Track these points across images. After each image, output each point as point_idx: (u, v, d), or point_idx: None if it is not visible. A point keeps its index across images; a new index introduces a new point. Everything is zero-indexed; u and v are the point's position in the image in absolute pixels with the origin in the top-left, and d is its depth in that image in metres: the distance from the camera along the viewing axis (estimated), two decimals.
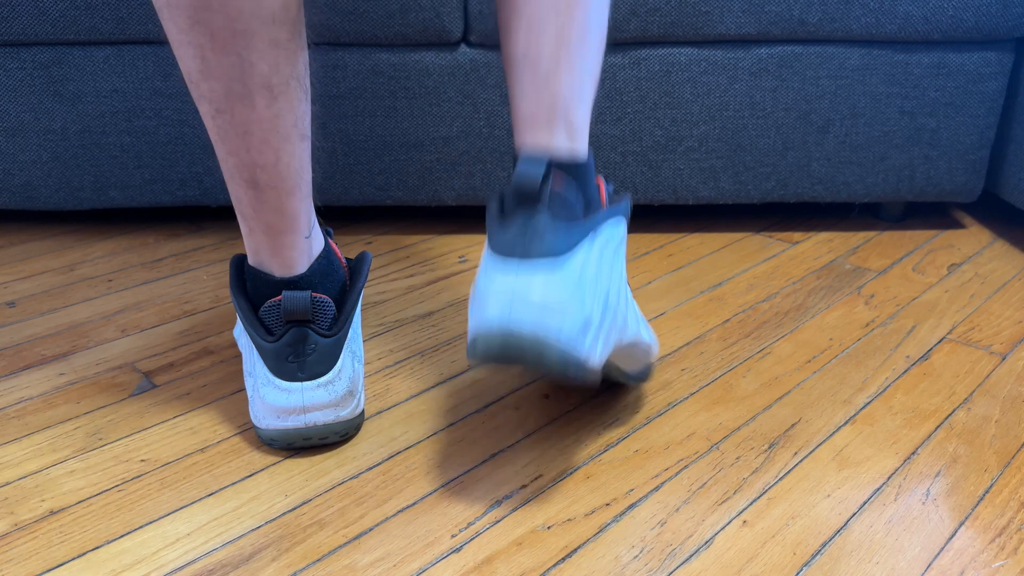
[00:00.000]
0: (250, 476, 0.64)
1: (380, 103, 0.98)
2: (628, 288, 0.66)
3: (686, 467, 0.65)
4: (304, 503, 0.61)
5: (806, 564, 0.56)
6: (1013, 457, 0.67)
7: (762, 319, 0.87)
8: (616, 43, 0.96)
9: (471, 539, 0.58)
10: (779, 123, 1.01)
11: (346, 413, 0.65)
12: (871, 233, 1.09)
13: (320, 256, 0.66)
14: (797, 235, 1.08)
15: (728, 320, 0.87)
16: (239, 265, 0.69)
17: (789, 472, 0.65)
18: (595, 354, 0.55)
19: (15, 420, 0.70)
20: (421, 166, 1.01)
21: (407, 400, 0.73)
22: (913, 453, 0.67)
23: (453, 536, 0.58)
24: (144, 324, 0.85)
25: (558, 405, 0.73)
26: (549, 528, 0.59)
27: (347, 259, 0.72)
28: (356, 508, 0.61)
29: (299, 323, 0.63)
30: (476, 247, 1.04)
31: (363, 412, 0.69)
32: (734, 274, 0.97)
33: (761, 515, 0.60)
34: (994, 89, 1.01)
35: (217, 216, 1.11)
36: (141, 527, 0.59)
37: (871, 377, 0.77)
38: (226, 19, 0.55)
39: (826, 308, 0.89)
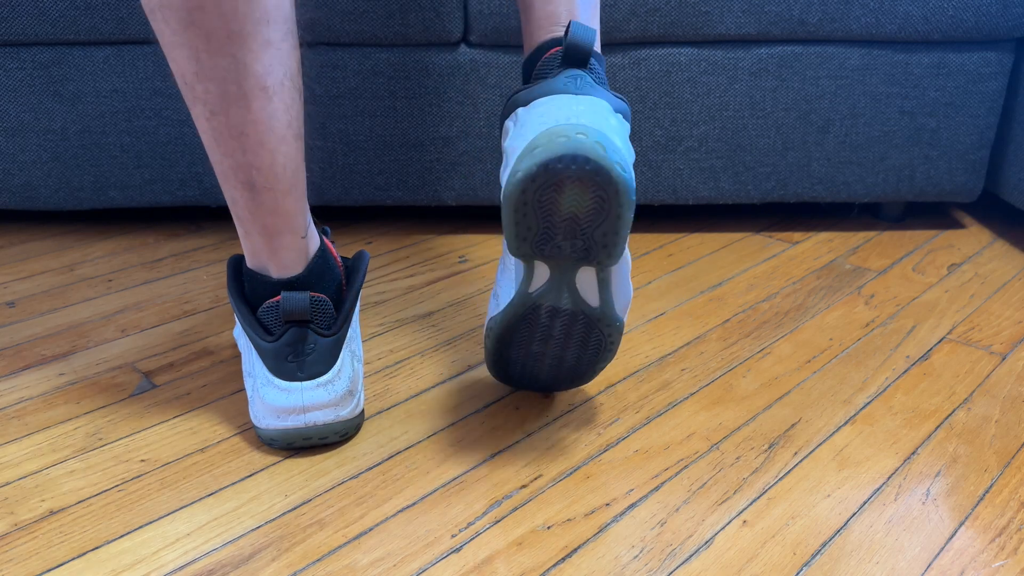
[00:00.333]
0: (250, 476, 0.64)
1: (380, 103, 0.98)
2: None
3: (686, 467, 0.65)
4: (304, 503, 0.61)
5: (806, 564, 0.56)
6: (1013, 457, 0.67)
7: (762, 319, 0.87)
8: (616, 43, 0.96)
9: (471, 539, 0.58)
10: (779, 123, 1.01)
11: (346, 413, 0.65)
12: (871, 233, 1.09)
13: (316, 255, 0.66)
14: (797, 235, 1.08)
15: (728, 320, 0.87)
16: (237, 266, 0.69)
17: (789, 472, 0.65)
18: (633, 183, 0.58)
19: (15, 420, 0.70)
20: (421, 166, 1.01)
21: (407, 400, 0.73)
22: (913, 453, 0.67)
23: (453, 536, 0.58)
24: (144, 324, 0.85)
25: (558, 405, 0.73)
26: (549, 528, 0.59)
27: (344, 258, 0.72)
28: (356, 508, 0.61)
29: (298, 323, 0.63)
30: (476, 247, 1.04)
31: (363, 412, 0.69)
32: (734, 274, 0.97)
33: (761, 515, 0.60)
34: (994, 89, 1.01)
35: (217, 216, 1.11)
36: (141, 527, 0.59)
37: (871, 377, 0.77)
38: (221, 20, 0.55)
39: (826, 308, 0.89)
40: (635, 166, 1.02)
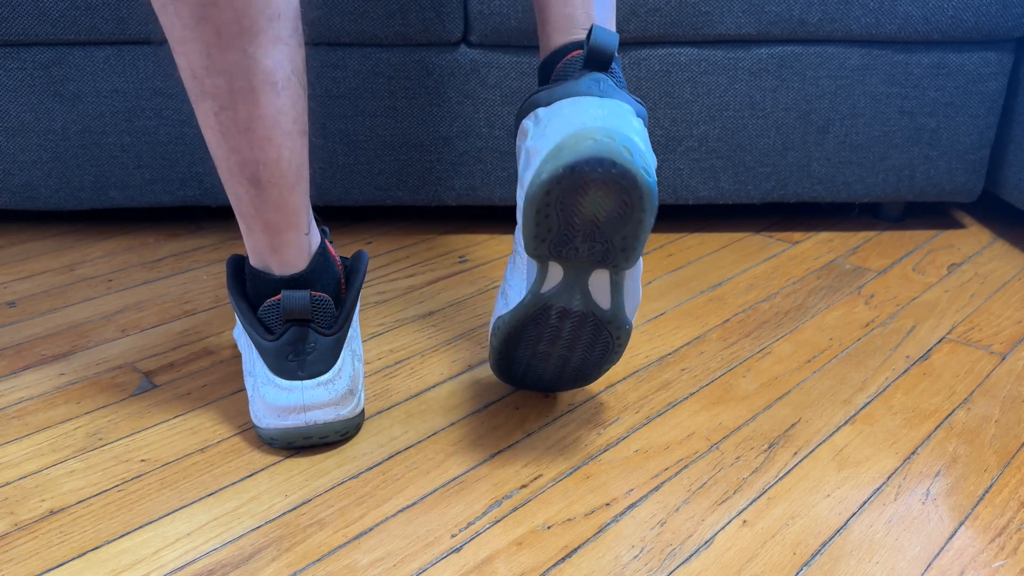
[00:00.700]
0: (250, 476, 0.64)
1: (380, 103, 0.98)
2: None
3: (686, 467, 0.65)
4: (304, 503, 0.61)
5: (806, 564, 0.56)
6: (1013, 457, 0.67)
7: (762, 319, 0.87)
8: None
9: (471, 539, 0.58)
10: (779, 123, 1.01)
11: (346, 412, 0.65)
12: (871, 233, 1.09)
13: (318, 252, 0.66)
14: (797, 235, 1.08)
15: (728, 320, 0.87)
16: (236, 266, 0.69)
17: (789, 472, 0.65)
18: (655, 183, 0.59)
19: (15, 420, 0.70)
20: (421, 166, 1.01)
21: (407, 400, 0.73)
22: (913, 453, 0.67)
23: (453, 536, 0.58)
24: (144, 324, 0.85)
25: (558, 405, 0.73)
26: (549, 528, 0.59)
27: (343, 258, 0.72)
28: (356, 508, 0.61)
29: (299, 322, 0.63)
30: (476, 247, 1.04)
31: (363, 411, 0.69)
32: (734, 274, 0.97)
33: (761, 515, 0.60)
34: (994, 89, 1.01)
35: (217, 216, 1.11)
36: (141, 527, 0.59)
37: (871, 377, 0.77)
38: (233, 15, 0.55)
39: (826, 308, 0.89)
40: None
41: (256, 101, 0.58)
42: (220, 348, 0.81)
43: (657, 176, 1.03)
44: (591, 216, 0.57)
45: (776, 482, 0.64)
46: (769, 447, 0.67)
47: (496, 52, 0.96)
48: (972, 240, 1.07)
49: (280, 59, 0.58)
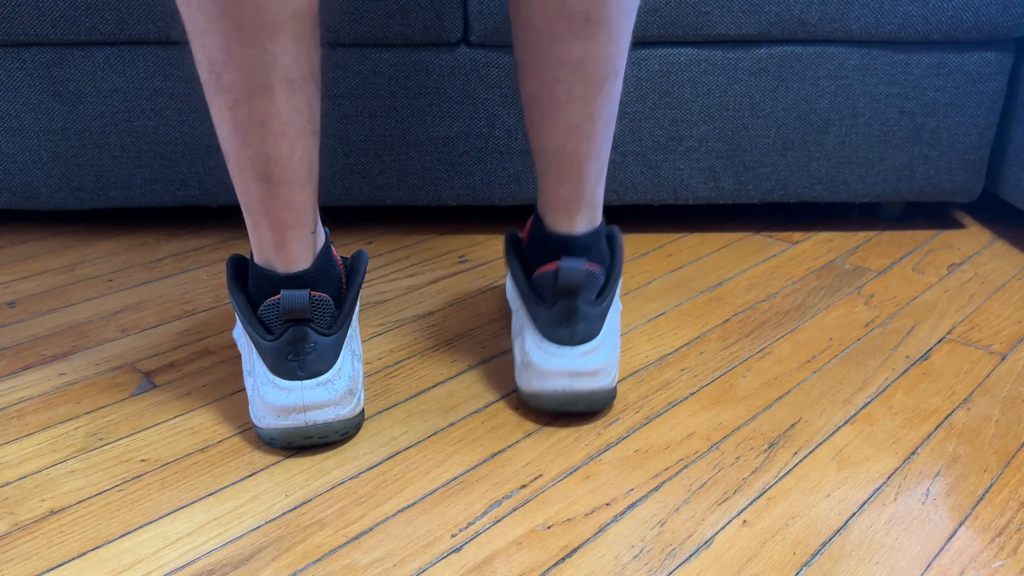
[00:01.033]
0: (250, 476, 0.64)
1: (380, 103, 0.98)
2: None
3: (686, 467, 0.65)
4: (304, 503, 0.61)
5: (806, 564, 0.56)
6: (1013, 457, 0.67)
7: (762, 319, 0.87)
8: None
9: (471, 539, 0.58)
10: (779, 123, 1.01)
11: (346, 412, 0.65)
12: (871, 233, 1.09)
13: (322, 252, 0.66)
14: (797, 235, 1.08)
15: (728, 320, 0.87)
16: (237, 265, 0.69)
17: (789, 472, 0.65)
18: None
19: (15, 420, 0.70)
20: (421, 166, 1.01)
21: (407, 400, 0.73)
22: (913, 453, 0.67)
23: (453, 536, 0.58)
24: (144, 324, 0.85)
25: None
26: (549, 528, 0.59)
27: (343, 258, 0.72)
28: (356, 508, 0.61)
29: (298, 322, 0.63)
30: (476, 247, 1.04)
31: (363, 411, 0.69)
32: (734, 274, 0.97)
33: (761, 515, 0.60)
34: (994, 89, 1.01)
35: (217, 216, 1.11)
36: (141, 527, 0.59)
37: (871, 377, 0.77)
38: (254, 10, 0.55)
39: (826, 308, 0.89)
40: (635, 166, 1.02)
41: (272, 97, 0.58)
42: (220, 348, 0.81)
43: (657, 176, 1.03)
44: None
45: (776, 482, 0.64)
46: (769, 447, 0.68)
47: (496, 52, 0.96)
48: (972, 240, 1.07)
49: (299, 57, 0.59)
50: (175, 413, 0.71)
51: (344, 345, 0.65)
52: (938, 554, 0.57)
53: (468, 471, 0.65)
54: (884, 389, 0.75)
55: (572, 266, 0.66)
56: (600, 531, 0.59)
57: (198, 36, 0.57)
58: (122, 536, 0.58)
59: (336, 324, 0.65)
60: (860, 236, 1.08)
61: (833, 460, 0.66)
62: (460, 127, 0.99)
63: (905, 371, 0.78)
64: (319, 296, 0.65)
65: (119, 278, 0.95)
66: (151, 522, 0.59)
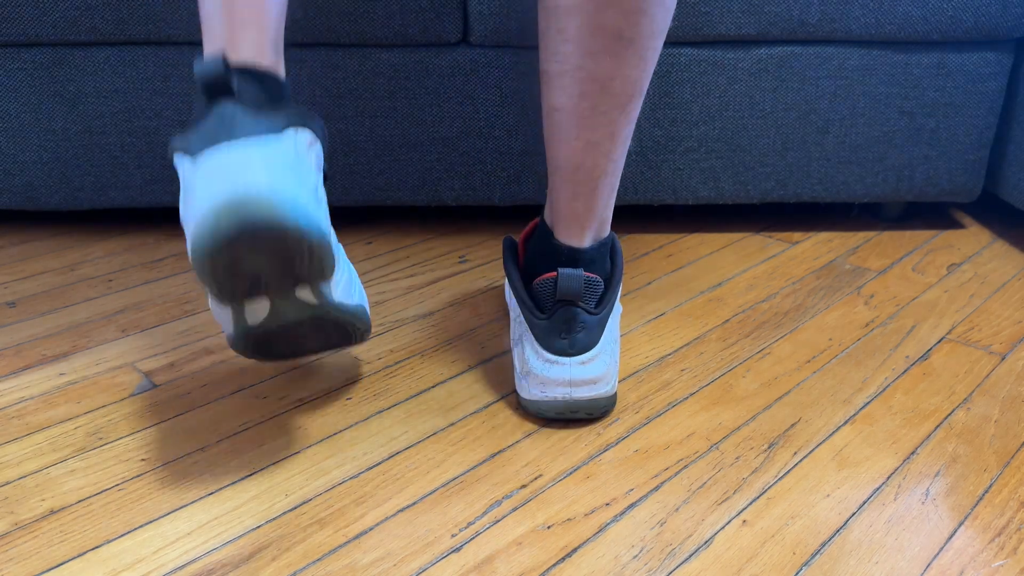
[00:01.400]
0: (250, 476, 0.64)
1: (380, 103, 0.98)
2: None
3: (686, 467, 0.65)
4: (304, 503, 0.61)
5: (806, 564, 0.56)
6: (1013, 457, 0.67)
7: (762, 319, 0.87)
8: None
9: (471, 539, 0.58)
10: (779, 123, 1.01)
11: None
12: (871, 233, 1.09)
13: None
14: (797, 235, 1.08)
15: (728, 320, 0.87)
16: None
17: (789, 472, 0.65)
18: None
19: (15, 420, 0.70)
20: (421, 166, 1.01)
21: (407, 400, 0.73)
22: (913, 453, 0.67)
23: (453, 536, 0.58)
24: (144, 324, 0.85)
25: None
26: (549, 528, 0.59)
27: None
28: (356, 508, 0.61)
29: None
30: (476, 247, 1.04)
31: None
32: (734, 274, 0.97)
33: (761, 515, 0.60)
34: (994, 89, 1.01)
35: None
36: (141, 527, 0.59)
37: (871, 377, 0.77)
38: None
39: (826, 308, 0.89)
40: (635, 166, 1.02)
41: None
42: (220, 348, 0.81)
43: (657, 176, 1.03)
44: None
45: (776, 482, 0.64)
46: (769, 447, 0.68)
47: (496, 52, 0.96)
48: (972, 240, 1.07)
49: None
50: (175, 413, 0.71)
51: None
52: (938, 554, 0.57)
53: (468, 471, 0.65)
54: (884, 389, 0.75)
55: (571, 274, 0.66)
56: (600, 531, 0.59)
57: None
58: (122, 535, 0.58)
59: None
60: (860, 236, 1.08)
61: (833, 460, 0.66)
62: (460, 127, 0.99)
63: (905, 371, 0.78)
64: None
65: (119, 278, 0.95)
66: (151, 522, 0.59)
